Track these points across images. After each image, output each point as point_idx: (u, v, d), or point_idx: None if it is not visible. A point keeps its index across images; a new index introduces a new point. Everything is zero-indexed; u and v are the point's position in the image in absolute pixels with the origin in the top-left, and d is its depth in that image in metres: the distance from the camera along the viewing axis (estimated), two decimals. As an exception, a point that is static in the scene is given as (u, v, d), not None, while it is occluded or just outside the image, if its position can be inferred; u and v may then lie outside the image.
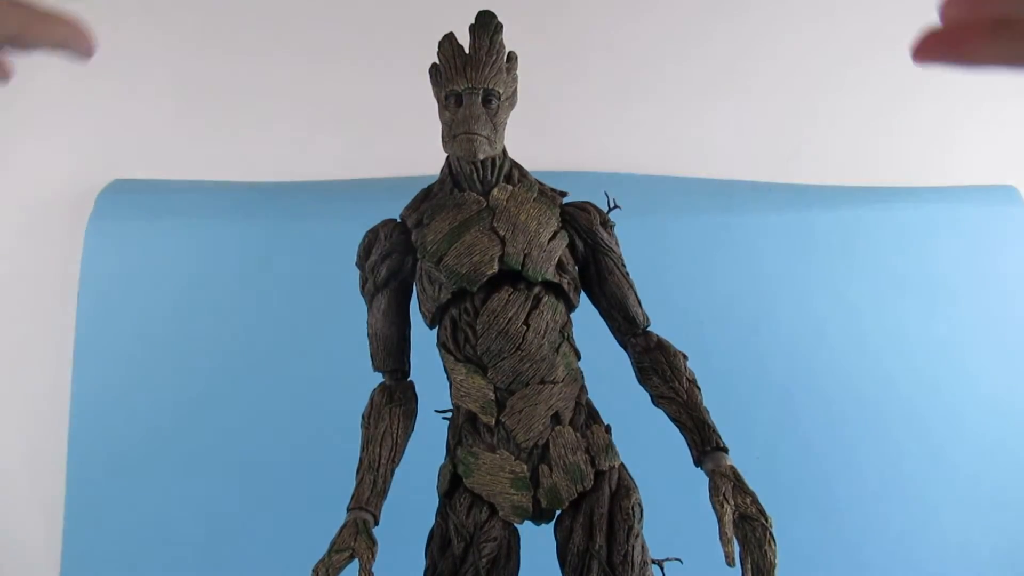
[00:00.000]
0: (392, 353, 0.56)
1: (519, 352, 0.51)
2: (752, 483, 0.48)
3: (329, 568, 0.47)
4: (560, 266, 0.53)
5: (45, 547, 0.96)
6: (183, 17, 1.05)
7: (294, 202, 1.02)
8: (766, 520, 0.46)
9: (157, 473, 0.94)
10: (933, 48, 0.26)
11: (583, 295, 0.56)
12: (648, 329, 0.56)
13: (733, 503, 0.47)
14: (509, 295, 0.51)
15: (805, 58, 1.10)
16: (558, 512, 0.52)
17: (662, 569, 0.52)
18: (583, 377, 0.55)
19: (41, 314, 1.00)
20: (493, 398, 0.51)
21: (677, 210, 1.02)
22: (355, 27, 1.06)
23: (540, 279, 0.52)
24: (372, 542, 0.49)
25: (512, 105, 0.55)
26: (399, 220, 0.56)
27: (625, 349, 0.56)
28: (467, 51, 0.52)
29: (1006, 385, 1.00)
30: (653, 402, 0.54)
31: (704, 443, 0.50)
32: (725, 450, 0.51)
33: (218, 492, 0.94)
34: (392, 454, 0.53)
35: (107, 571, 0.92)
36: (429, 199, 0.55)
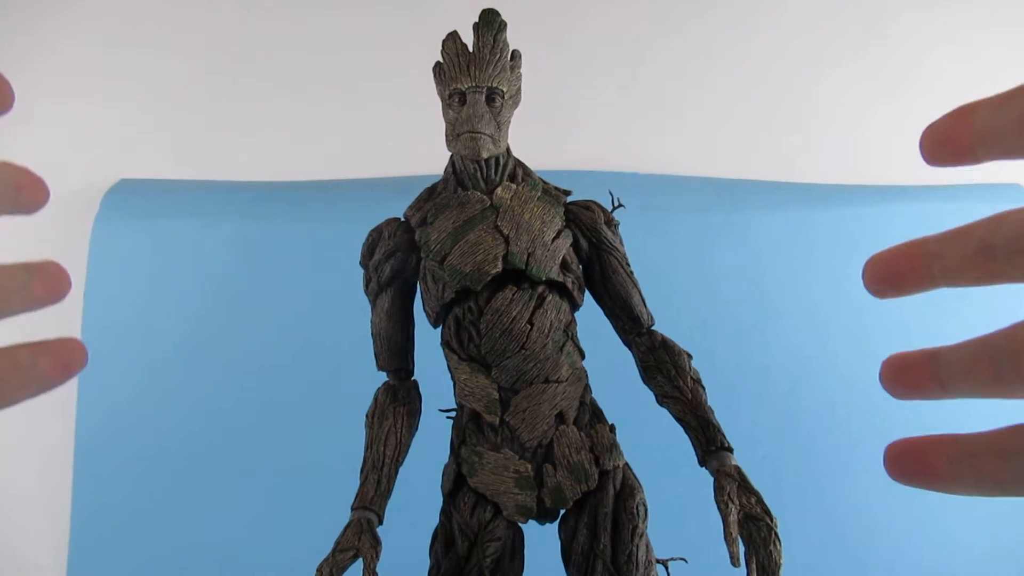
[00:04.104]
0: (396, 352, 0.56)
1: (523, 351, 0.50)
2: (757, 483, 0.48)
3: (333, 568, 0.47)
4: (564, 265, 0.53)
5: (51, 549, 0.97)
6: (186, 18, 1.05)
7: (299, 201, 1.03)
8: (771, 520, 0.46)
9: (162, 470, 0.94)
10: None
11: (587, 294, 0.56)
12: (652, 328, 0.56)
13: (738, 503, 0.46)
14: (513, 294, 0.51)
15: (808, 56, 1.10)
16: (562, 512, 0.52)
17: (667, 569, 0.52)
18: (587, 376, 0.55)
19: (46, 314, 1.00)
20: (497, 397, 0.51)
21: (681, 209, 1.02)
22: (357, 26, 1.06)
23: (544, 278, 0.52)
24: (376, 541, 0.49)
25: (516, 103, 0.55)
26: (403, 219, 0.56)
27: (629, 348, 0.56)
28: (471, 50, 0.52)
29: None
30: (657, 401, 0.54)
31: (709, 442, 0.50)
32: (730, 449, 0.50)
33: (222, 490, 0.94)
34: (396, 453, 0.53)
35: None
36: (433, 198, 0.55)
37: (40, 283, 0.30)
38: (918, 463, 0.26)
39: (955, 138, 0.25)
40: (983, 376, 0.24)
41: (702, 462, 0.51)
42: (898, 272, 0.27)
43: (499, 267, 0.51)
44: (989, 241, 0.23)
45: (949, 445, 0.25)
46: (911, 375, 0.26)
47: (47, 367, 0.29)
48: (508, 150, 0.55)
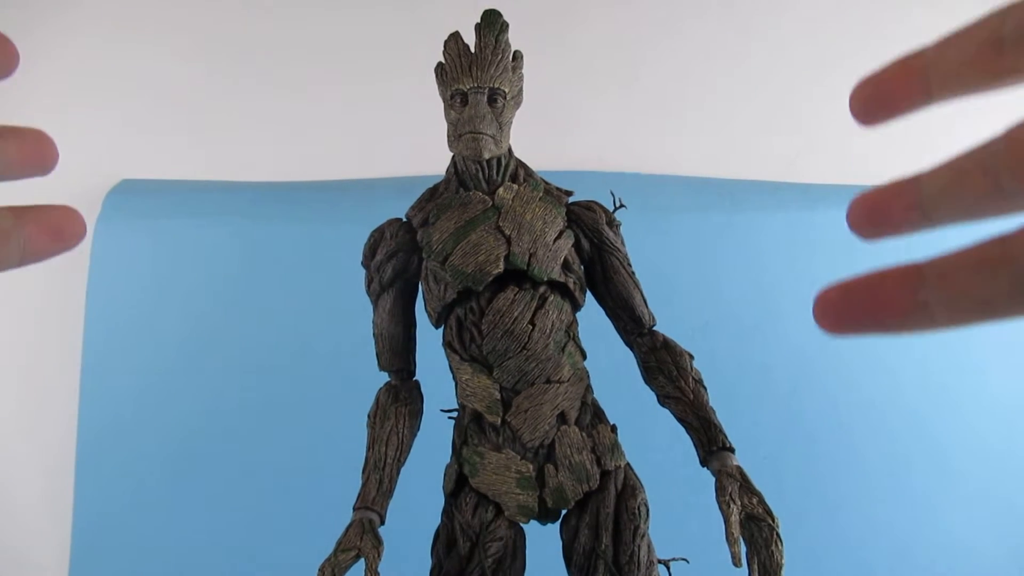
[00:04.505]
0: (398, 352, 0.56)
1: (524, 351, 0.50)
2: (758, 483, 0.48)
3: (335, 568, 0.47)
4: (566, 265, 0.53)
5: (53, 548, 0.97)
6: (187, 18, 1.05)
7: (300, 201, 1.03)
8: (773, 520, 0.46)
9: (163, 469, 0.94)
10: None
11: (589, 294, 0.56)
12: (654, 328, 0.56)
13: (740, 503, 0.47)
14: (515, 294, 0.51)
15: (808, 56, 1.10)
16: (564, 512, 0.52)
17: (668, 569, 0.52)
18: (588, 377, 0.55)
19: (49, 314, 1.01)
20: (499, 397, 0.51)
21: (682, 209, 1.02)
22: (357, 26, 1.06)
23: (545, 278, 0.52)
24: (378, 541, 0.49)
25: (518, 104, 0.55)
26: (404, 219, 0.56)
27: (631, 348, 0.56)
28: (473, 50, 0.52)
29: (1011, 384, 0.99)
30: (659, 402, 0.54)
31: (710, 443, 0.50)
32: (731, 450, 0.50)
33: (223, 489, 0.94)
34: (398, 453, 0.53)
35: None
36: (435, 198, 0.55)
37: (17, 146, 0.27)
38: (868, 301, 0.21)
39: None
40: (976, 190, 0.21)
41: (704, 462, 0.51)
42: (890, 88, 0.23)
43: (501, 267, 0.51)
44: (998, 33, 0.21)
45: (910, 274, 0.21)
46: (886, 208, 0.22)
47: (32, 232, 0.25)
48: (510, 151, 0.55)
